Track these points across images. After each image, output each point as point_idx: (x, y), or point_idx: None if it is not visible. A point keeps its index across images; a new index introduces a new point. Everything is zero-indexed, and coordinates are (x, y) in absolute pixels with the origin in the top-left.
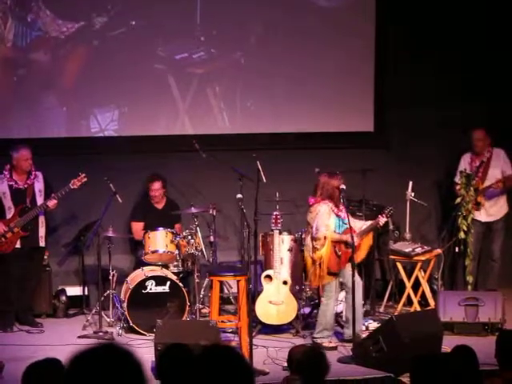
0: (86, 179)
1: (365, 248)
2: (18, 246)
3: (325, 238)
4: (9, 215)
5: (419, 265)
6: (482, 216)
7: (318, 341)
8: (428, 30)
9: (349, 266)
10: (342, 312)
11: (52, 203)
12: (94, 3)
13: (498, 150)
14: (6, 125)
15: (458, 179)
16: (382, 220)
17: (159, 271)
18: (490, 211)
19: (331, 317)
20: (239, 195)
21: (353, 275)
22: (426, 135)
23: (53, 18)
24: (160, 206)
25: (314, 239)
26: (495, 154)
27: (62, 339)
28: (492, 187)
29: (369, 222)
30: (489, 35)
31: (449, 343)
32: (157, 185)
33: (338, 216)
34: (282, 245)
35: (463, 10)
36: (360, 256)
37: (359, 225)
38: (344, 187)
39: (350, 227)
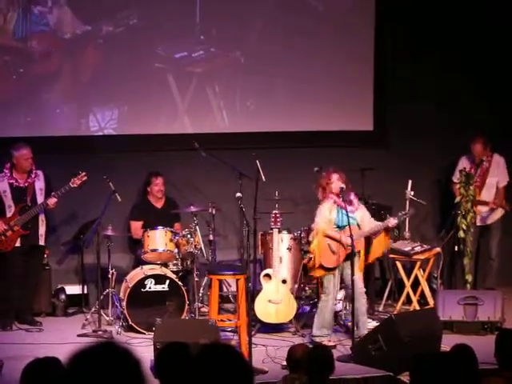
0: (86, 178)
1: (379, 248)
2: (17, 244)
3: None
4: (9, 213)
5: (418, 264)
6: (477, 219)
7: (317, 339)
8: (428, 30)
9: (349, 268)
10: (341, 311)
11: (52, 201)
12: (94, 3)
13: (498, 157)
14: (5, 123)
15: (456, 178)
16: (393, 222)
17: (158, 270)
18: (485, 216)
19: (329, 314)
20: (238, 194)
21: (352, 274)
22: (426, 134)
23: (57, 16)
24: (159, 205)
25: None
26: (495, 162)
27: (61, 338)
28: (489, 205)
29: (379, 223)
30: (489, 34)
31: (448, 342)
32: (160, 179)
33: (341, 207)
34: (282, 244)
35: (463, 9)
36: (373, 255)
37: (373, 225)
38: (343, 186)
39: (349, 226)
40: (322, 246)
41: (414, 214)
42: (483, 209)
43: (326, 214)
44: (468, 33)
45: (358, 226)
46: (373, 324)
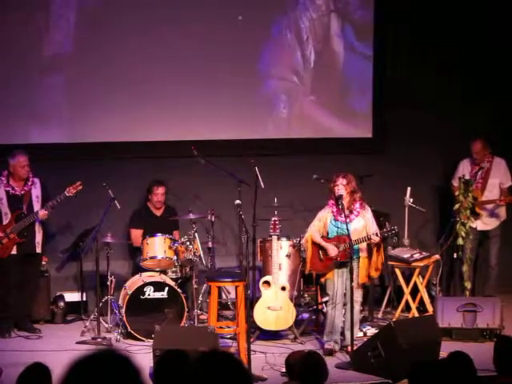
0: (81, 187)
1: (366, 267)
2: (13, 252)
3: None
4: (5, 221)
5: (417, 271)
6: (477, 224)
7: (326, 345)
8: (428, 32)
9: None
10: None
11: (42, 213)
12: (93, 10)
13: (499, 159)
14: (3, 130)
15: (456, 182)
16: (375, 238)
17: (157, 277)
18: (486, 220)
19: (335, 320)
20: (237, 201)
21: (351, 281)
22: (425, 141)
23: (57, 25)
24: (159, 213)
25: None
26: (496, 164)
27: (60, 345)
28: (497, 202)
29: (364, 235)
30: (489, 36)
31: (447, 349)
32: (161, 189)
33: (334, 218)
34: (281, 250)
35: (463, 10)
36: (362, 276)
37: (361, 236)
38: (342, 193)
39: (339, 237)
40: (311, 252)
41: (397, 232)
42: (485, 212)
43: (318, 222)
44: (468, 34)
45: (349, 236)
46: (372, 331)
